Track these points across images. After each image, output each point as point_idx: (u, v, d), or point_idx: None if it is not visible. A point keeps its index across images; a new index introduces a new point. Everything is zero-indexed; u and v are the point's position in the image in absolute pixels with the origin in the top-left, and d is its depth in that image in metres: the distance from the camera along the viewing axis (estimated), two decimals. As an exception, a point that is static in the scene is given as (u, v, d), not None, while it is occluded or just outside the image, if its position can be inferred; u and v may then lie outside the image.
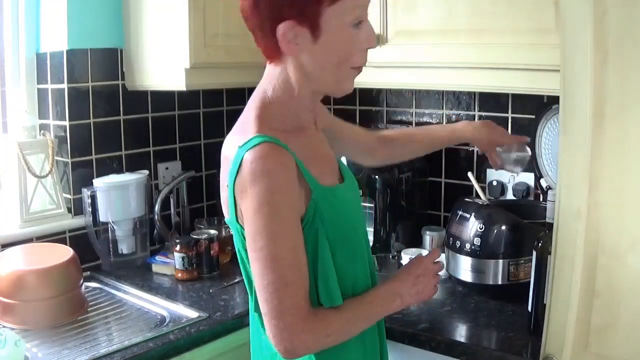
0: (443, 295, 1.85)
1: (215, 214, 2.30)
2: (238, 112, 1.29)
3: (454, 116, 2.15)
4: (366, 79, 1.89)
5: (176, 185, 2.24)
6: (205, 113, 2.41)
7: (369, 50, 1.40)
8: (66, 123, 2.04)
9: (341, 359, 1.26)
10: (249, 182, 1.14)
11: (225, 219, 1.28)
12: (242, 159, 1.15)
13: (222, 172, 1.25)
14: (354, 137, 1.61)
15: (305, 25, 1.16)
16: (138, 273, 2.03)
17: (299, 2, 1.15)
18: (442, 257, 1.91)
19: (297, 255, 1.17)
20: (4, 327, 1.60)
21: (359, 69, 1.26)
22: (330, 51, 1.20)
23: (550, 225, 1.30)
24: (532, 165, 1.94)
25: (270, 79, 1.25)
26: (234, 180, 1.17)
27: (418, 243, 2.09)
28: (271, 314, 1.15)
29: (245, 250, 1.20)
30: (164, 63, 2.02)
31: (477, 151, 2.11)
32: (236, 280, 1.96)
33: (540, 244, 1.48)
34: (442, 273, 1.89)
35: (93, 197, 2.06)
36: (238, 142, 1.19)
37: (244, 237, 1.20)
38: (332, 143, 1.40)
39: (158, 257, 2.08)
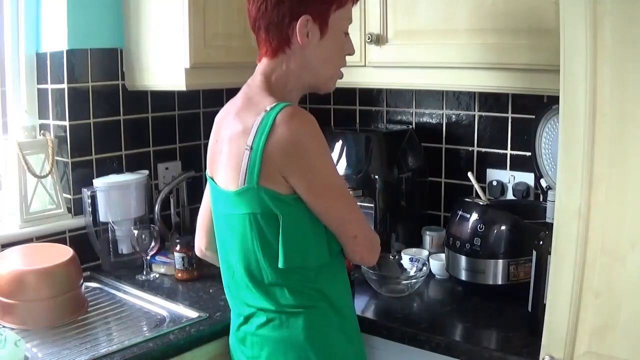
0: (443, 295, 1.85)
1: (215, 214, 2.29)
2: (238, 112, 1.30)
3: (453, 116, 2.15)
4: (366, 79, 1.91)
5: (176, 185, 2.24)
6: (205, 113, 2.40)
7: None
8: (66, 123, 2.04)
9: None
10: (301, 137, 1.29)
11: (231, 191, 1.36)
12: (274, 120, 1.28)
13: (232, 147, 1.36)
14: None
15: (317, 23, 1.36)
16: (138, 273, 2.03)
17: (315, 2, 1.35)
18: (443, 257, 1.91)
19: None
20: (4, 327, 1.59)
21: (341, 73, 1.47)
22: (331, 49, 1.40)
23: (550, 225, 1.30)
24: (532, 165, 1.94)
25: (270, 70, 1.41)
26: (265, 143, 1.28)
27: (418, 243, 2.09)
28: (365, 240, 1.43)
29: (266, 214, 1.32)
30: (164, 63, 2.02)
31: (477, 151, 2.11)
32: (236, 280, 1.96)
33: (540, 244, 1.48)
34: (442, 273, 1.91)
35: (93, 197, 2.07)
36: (257, 112, 1.32)
37: (273, 201, 1.31)
38: None
39: (158, 257, 2.08)
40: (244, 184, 1.32)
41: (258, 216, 1.34)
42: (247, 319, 1.46)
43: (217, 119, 1.51)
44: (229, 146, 1.38)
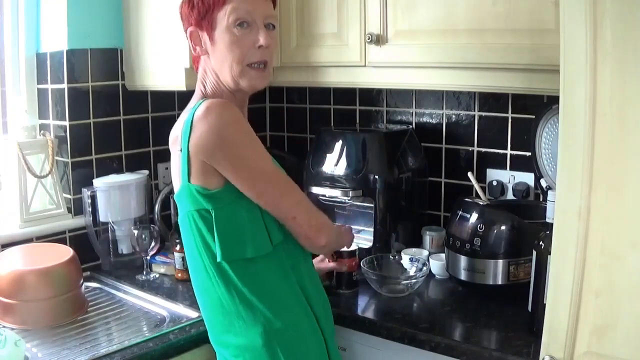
0: (443, 295, 1.85)
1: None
2: (238, 112, 1.31)
3: (453, 116, 2.15)
4: (366, 79, 1.91)
5: (176, 185, 2.24)
6: (205, 113, 2.40)
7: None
8: (66, 123, 2.04)
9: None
10: (219, 128, 1.29)
11: (174, 195, 1.41)
12: (192, 117, 1.30)
13: (173, 156, 1.39)
14: None
15: (204, 30, 1.39)
16: (138, 273, 2.03)
17: (197, 11, 1.38)
18: (443, 257, 1.91)
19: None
20: (4, 327, 1.60)
21: (259, 67, 1.40)
22: (222, 50, 1.38)
23: (550, 225, 1.30)
24: (532, 165, 1.94)
25: (202, 77, 1.45)
26: (188, 141, 1.30)
27: (418, 243, 2.09)
28: (307, 221, 1.41)
29: (201, 212, 1.34)
30: (164, 63, 2.02)
31: (477, 151, 2.11)
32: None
33: (540, 244, 1.48)
34: (442, 273, 1.91)
35: (93, 197, 2.07)
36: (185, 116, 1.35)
37: (203, 197, 1.33)
38: None
39: (158, 257, 2.08)
40: (181, 182, 1.37)
41: (194, 214, 1.36)
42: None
43: None
44: (172, 157, 1.41)
